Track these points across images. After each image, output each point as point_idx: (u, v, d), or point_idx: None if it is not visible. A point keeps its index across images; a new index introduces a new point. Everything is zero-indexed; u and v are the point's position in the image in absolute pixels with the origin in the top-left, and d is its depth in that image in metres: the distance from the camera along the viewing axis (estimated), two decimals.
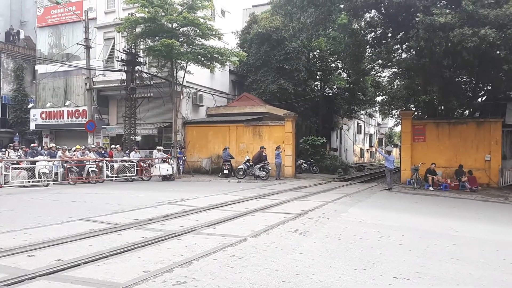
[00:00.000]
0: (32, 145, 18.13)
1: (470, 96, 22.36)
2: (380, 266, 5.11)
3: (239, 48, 27.88)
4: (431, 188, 16.43)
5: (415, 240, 6.80)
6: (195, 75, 22.19)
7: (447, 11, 14.32)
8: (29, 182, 14.48)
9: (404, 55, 21.26)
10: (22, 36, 32.88)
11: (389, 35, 19.60)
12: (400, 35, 18.79)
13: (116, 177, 17.75)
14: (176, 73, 21.13)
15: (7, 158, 15.68)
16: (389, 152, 17.31)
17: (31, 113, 27.72)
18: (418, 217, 9.71)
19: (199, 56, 20.25)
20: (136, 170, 18.53)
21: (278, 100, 25.23)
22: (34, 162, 15.12)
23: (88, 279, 4.26)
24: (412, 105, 26.65)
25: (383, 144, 60.89)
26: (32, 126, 27.59)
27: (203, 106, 24.53)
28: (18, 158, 15.97)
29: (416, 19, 15.08)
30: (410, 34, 15.96)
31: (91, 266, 4.74)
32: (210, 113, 24.88)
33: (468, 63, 16.33)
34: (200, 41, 20.57)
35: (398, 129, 46.72)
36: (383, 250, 5.92)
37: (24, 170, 14.67)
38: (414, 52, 19.13)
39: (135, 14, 19.72)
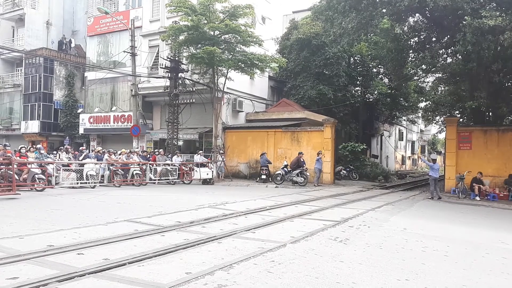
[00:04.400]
0: (80, 148, 19.07)
1: None
2: (424, 277, 4.96)
3: (279, 54, 28.01)
4: (477, 198, 15.70)
5: (461, 252, 6.55)
6: (235, 81, 22.50)
7: (497, 13, 13.71)
8: (77, 183, 15.17)
9: (449, 60, 20.52)
10: (73, 44, 34.69)
11: (434, 39, 19.00)
12: (445, 39, 18.16)
13: (158, 180, 18.29)
14: (217, 79, 21.50)
15: (58, 160, 16.56)
16: (434, 161, 16.66)
17: (80, 118, 29.16)
18: (464, 227, 9.32)
19: (240, 63, 20.50)
20: (178, 173, 19.03)
21: (317, 106, 25.04)
22: (82, 165, 15.88)
23: (133, 279, 4.42)
24: (457, 112, 25.59)
25: (426, 151, 58.77)
26: (81, 130, 28.99)
27: (242, 111, 24.82)
28: (69, 160, 16.82)
29: (463, 22, 14.52)
30: (456, 38, 15.39)
31: (136, 266, 4.92)
32: (249, 119, 25.12)
33: None
34: (240, 48, 20.87)
35: (441, 136, 44.87)
36: (427, 261, 5.74)
37: (73, 172, 15.43)
38: (460, 57, 18.42)
39: (179, 22, 20.27)
